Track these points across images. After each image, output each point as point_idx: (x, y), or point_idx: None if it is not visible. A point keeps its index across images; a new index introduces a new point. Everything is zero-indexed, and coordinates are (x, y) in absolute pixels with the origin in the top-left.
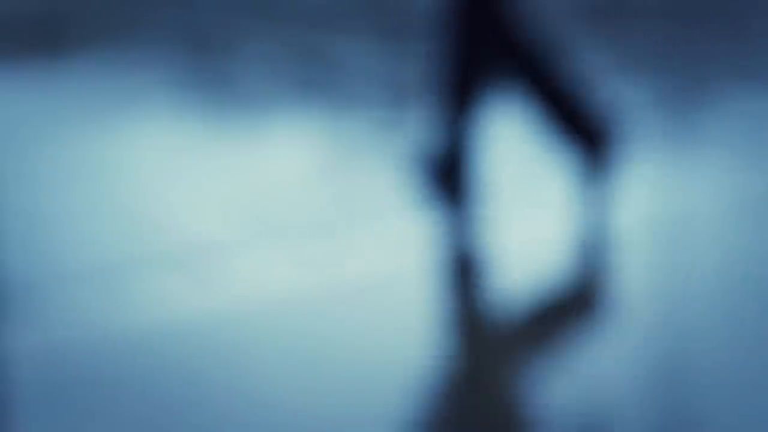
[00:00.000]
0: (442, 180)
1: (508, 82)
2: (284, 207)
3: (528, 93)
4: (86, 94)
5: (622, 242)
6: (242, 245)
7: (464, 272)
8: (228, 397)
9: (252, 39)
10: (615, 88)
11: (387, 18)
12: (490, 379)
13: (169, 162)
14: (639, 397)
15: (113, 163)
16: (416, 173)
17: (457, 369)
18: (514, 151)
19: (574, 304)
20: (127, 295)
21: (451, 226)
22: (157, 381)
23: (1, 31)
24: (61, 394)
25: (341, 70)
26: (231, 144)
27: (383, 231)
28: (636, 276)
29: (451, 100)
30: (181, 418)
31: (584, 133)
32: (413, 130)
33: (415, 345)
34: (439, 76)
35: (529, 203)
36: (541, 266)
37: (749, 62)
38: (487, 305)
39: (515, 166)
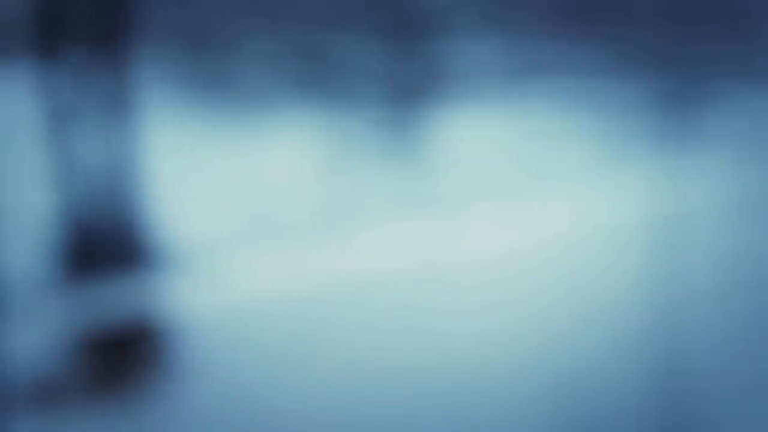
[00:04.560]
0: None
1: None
2: (284, 205)
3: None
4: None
5: (621, 242)
6: (242, 243)
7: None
8: (224, 397)
9: (252, 38)
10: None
11: (387, 18)
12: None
13: (169, 160)
14: (637, 397)
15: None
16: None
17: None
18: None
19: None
20: (127, 293)
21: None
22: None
23: (2, 30)
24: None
25: (341, 70)
26: (231, 143)
27: (383, 230)
28: (634, 275)
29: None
30: (178, 417)
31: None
32: (411, 129)
33: (405, 345)
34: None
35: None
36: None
37: (749, 62)
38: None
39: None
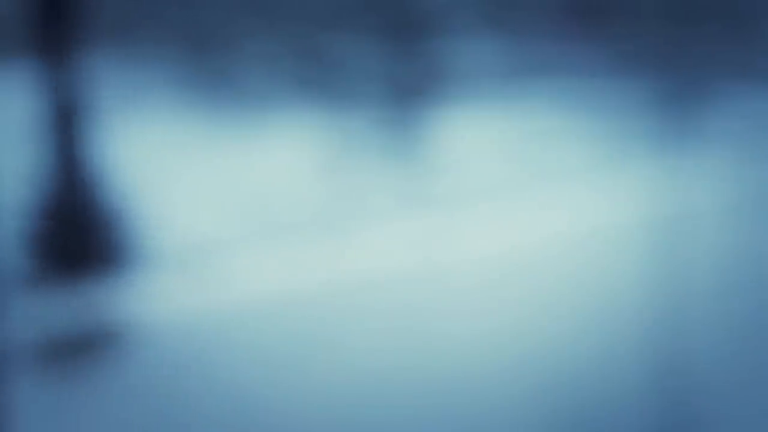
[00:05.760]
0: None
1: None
2: (284, 205)
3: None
4: (87, 91)
5: (621, 242)
6: (242, 243)
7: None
8: (220, 397)
9: (252, 38)
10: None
11: (387, 18)
12: None
13: (169, 160)
14: (637, 397)
15: (113, 160)
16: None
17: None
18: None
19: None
20: (128, 292)
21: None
22: (153, 380)
23: (4, 28)
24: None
25: (341, 70)
26: (231, 142)
27: (383, 230)
28: (634, 275)
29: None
30: (174, 416)
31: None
32: (412, 129)
33: (404, 345)
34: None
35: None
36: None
37: (749, 62)
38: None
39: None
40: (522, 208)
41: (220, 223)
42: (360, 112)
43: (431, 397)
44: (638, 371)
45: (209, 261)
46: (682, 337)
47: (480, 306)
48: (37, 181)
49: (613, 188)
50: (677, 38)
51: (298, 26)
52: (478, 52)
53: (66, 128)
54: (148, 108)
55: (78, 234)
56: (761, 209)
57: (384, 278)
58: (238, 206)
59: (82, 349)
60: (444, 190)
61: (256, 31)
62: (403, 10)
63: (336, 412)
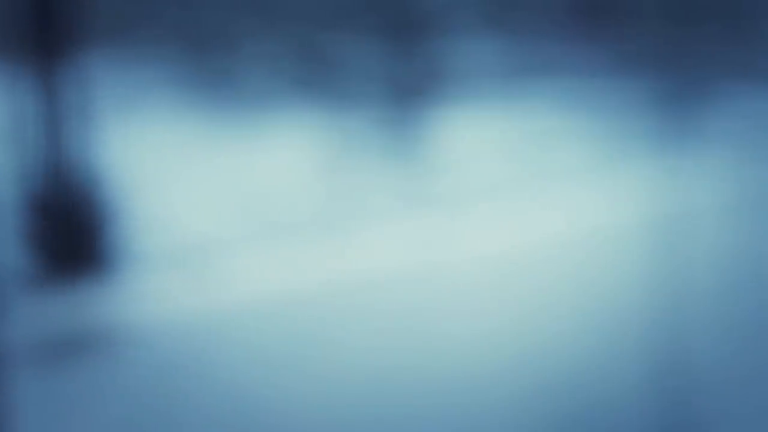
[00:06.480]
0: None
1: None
2: (284, 205)
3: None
4: (87, 91)
5: (621, 242)
6: (242, 243)
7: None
8: (219, 397)
9: (252, 38)
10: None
11: (387, 18)
12: None
13: (168, 160)
14: (638, 395)
15: (113, 160)
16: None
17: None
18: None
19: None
20: (124, 291)
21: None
22: (151, 379)
23: (3, 28)
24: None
25: (341, 70)
26: (231, 142)
27: (383, 230)
28: (634, 274)
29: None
30: (173, 417)
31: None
32: (412, 129)
33: (404, 345)
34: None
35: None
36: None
37: (749, 62)
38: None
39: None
40: (522, 208)
41: (220, 223)
42: (360, 112)
43: (431, 397)
44: (638, 371)
45: (209, 261)
46: (682, 336)
47: (480, 306)
48: (36, 181)
49: (613, 188)
50: (677, 38)
51: (298, 26)
52: (478, 52)
53: (63, 128)
54: (148, 108)
55: (77, 234)
56: (761, 209)
57: (384, 278)
58: (238, 206)
59: (80, 349)
60: (444, 190)
61: (256, 31)
62: (403, 10)
63: (336, 412)
